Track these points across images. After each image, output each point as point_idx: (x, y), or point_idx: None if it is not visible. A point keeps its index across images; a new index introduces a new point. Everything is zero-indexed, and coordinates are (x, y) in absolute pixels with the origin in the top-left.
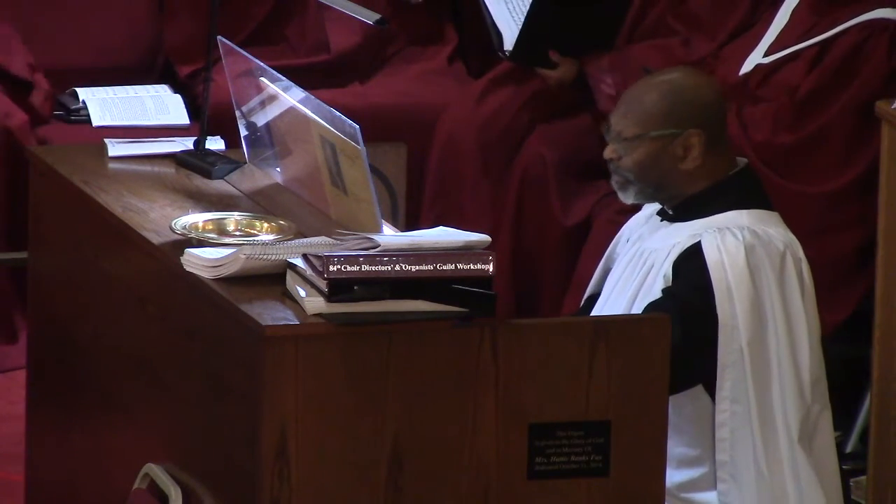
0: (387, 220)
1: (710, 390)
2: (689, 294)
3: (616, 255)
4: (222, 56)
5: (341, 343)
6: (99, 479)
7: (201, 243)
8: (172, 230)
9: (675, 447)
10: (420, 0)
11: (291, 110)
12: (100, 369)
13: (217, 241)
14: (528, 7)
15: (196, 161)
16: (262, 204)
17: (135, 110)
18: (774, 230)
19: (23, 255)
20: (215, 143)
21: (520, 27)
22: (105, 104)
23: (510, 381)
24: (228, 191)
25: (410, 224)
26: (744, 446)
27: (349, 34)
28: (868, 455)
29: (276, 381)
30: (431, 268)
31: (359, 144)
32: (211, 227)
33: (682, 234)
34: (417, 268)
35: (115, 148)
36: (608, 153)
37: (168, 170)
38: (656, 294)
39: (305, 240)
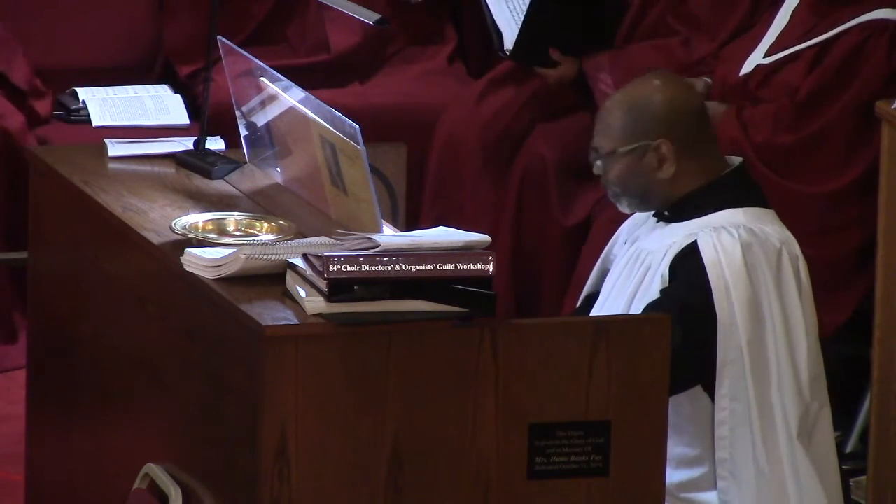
0: (387, 220)
1: (709, 390)
2: (688, 294)
3: (613, 255)
4: (222, 56)
5: (341, 343)
6: (99, 479)
7: (201, 243)
8: (172, 230)
9: (675, 447)
10: (420, 0)
11: (291, 110)
12: (100, 369)
13: (217, 241)
14: (527, 6)
15: (196, 161)
16: (262, 204)
17: (135, 110)
18: (771, 228)
19: (23, 255)
20: (215, 143)
21: (520, 26)
22: (105, 104)
23: (510, 381)
24: (228, 191)
25: (410, 224)
26: (743, 444)
27: (349, 34)
28: (868, 455)
29: (276, 381)
30: (431, 268)
31: (359, 144)
32: (211, 227)
33: (678, 235)
34: (417, 268)
35: (115, 148)
36: (595, 170)
37: (168, 170)
38: (654, 294)
39: (305, 240)
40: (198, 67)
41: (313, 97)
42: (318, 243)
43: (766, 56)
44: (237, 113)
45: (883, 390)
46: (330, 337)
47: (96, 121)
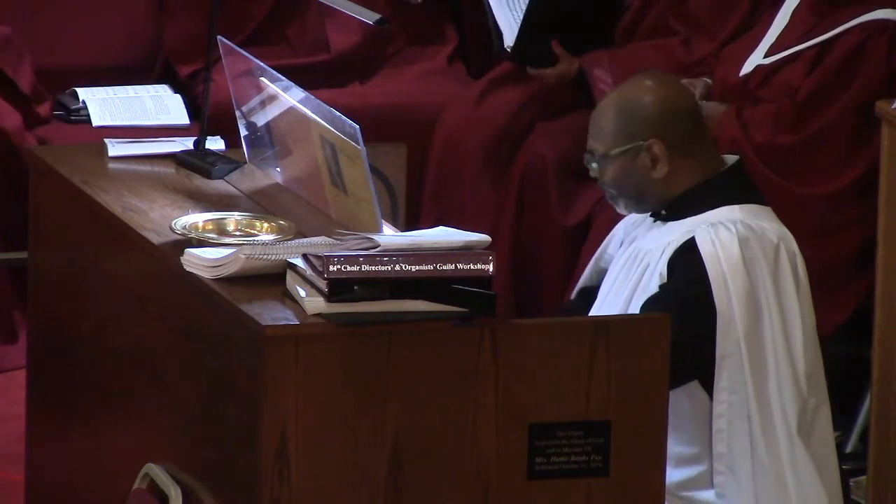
0: (387, 220)
1: (708, 386)
2: (687, 287)
3: (608, 254)
4: (222, 56)
5: (341, 343)
6: (99, 479)
7: (201, 243)
8: (172, 230)
9: (674, 445)
10: (420, 0)
11: (291, 110)
12: (100, 369)
13: (217, 241)
14: (527, 4)
15: (196, 161)
16: (262, 204)
17: (135, 110)
18: (768, 224)
19: (23, 255)
20: (215, 143)
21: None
22: (105, 104)
23: (510, 381)
24: (228, 191)
25: (410, 224)
26: (741, 438)
27: (349, 34)
28: (868, 455)
29: (276, 381)
30: (431, 268)
31: (359, 144)
32: (211, 227)
33: (675, 233)
34: (417, 268)
35: (115, 148)
36: (591, 173)
37: (168, 170)
38: (652, 292)
39: (305, 240)
40: (198, 67)
41: (313, 97)
42: (318, 243)
43: (766, 56)
44: (237, 113)
45: (883, 390)
46: (330, 337)
47: (96, 121)
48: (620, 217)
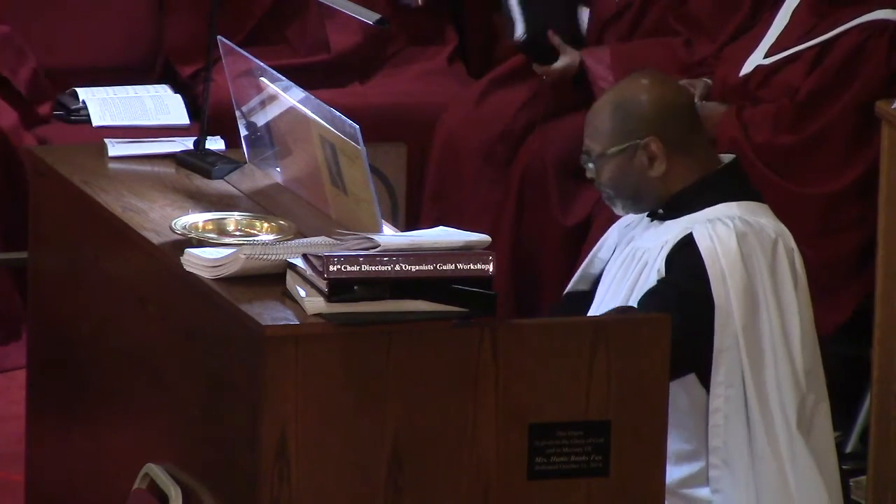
0: (387, 220)
1: (705, 381)
2: (685, 282)
3: (598, 258)
4: (222, 56)
5: (341, 343)
6: (99, 479)
7: (201, 243)
8: (172, 230)
9: (673, 443)
10: (421, 3)
11: (291, 110)
12: (100, 369)
13: (217, 241)
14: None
15: (196, 161)
16: (262, 204)
17: (135, 110)
18: (765, 220)
19: (23, 255)
20: (215, 143)
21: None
22: (105, 104)
23: (510, 381)
24: (228, 191)
25: (410, 224)
26: (738, 432)
27: (349, 34)
28: (868, 455)
29: (276, 381)
30: (431, 268)
31: (359, 144)
32: (211, 227)
33: (673, 231)
34: (417, 268)
35: (115, 148)
36: (588, 174)
37: (168, 170)
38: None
39: (305, 240)
40: (198, 67)
41: (313, 97)
42: (318, 243)
43: (766, 56)
44: (237, 113)
45: (883, 390)
46: (330, 337)
47: (96, 121)
48: (619, 217)
